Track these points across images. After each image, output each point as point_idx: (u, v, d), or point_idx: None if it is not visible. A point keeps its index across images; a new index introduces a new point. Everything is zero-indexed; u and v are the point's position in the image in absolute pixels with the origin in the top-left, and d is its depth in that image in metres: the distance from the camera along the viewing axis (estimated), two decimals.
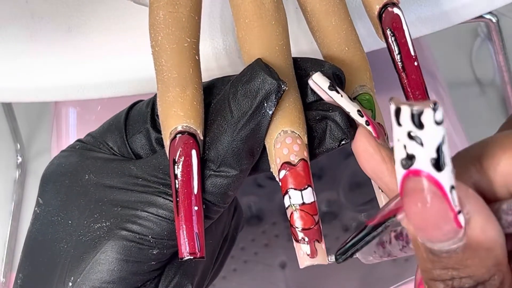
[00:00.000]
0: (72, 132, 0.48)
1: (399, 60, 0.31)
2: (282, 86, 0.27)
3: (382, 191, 0.29)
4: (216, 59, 0.38)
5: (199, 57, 0.30)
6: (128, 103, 0.40)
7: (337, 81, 0.29)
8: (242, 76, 0.28)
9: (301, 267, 0.28)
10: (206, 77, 0.31)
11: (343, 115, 0.29)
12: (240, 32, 0.30)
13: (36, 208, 0.31)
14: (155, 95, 0.31)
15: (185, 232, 0.28)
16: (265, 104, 0.28)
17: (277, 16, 0.30)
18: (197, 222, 0.28)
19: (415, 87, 0.31)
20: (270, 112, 0.28)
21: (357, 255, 0.26)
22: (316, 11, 0.31)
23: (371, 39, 0.35)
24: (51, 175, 0.31)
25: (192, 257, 0.28)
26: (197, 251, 0.28)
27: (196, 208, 0.28)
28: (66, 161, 0.31)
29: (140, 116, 0.31)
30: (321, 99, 0.30)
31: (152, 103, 0.31)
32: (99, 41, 0.38)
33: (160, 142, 0.31)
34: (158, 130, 0.31)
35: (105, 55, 0.38)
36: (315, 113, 0.29)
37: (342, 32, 0.31)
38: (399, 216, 0.21)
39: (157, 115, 0.30)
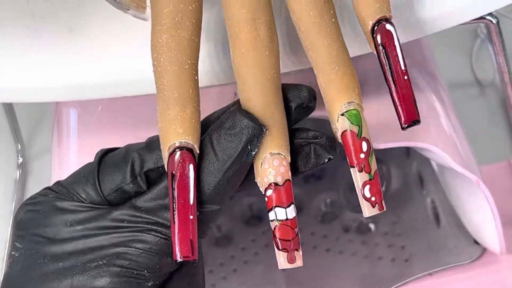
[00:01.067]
0: (72, 132, 0.48)
1: (389, 74, 0.33)
2: (264, 129, 0.31)
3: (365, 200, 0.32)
4: (219, 61, 0.38)
5: (198, 77, 0.32)
6: (128, 103, 0.40)
7: (312, 97, 0.33)
8: (225, 123, 0.32)
9: (280, 268, 0.32)
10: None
11: (328, 140, 0.33)
12: (235, 58, 0.33)
13: (13, 252, 0.33)
14: (130, 147, 0.34)
15: (180, 239, 0.30)
16: (249, 147, 0.31)
17: (270, 46, 0.32)
18: (191, 229, 0.31)
19: (404, 100, 0.32)
20: (253, 153, 0.31)
21: None
22: (310, 32, 0.33)
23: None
24: (29, 223, 0.33)
25: (186, 260, 0.30)
26: (190, 254, 0.31)
27: (191, 217, 0.31)
28: (43, 208, 0.33)
29: (117, 171, 0.34)
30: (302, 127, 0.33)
31: (131, 160, 0.34)
32: (100, 42, 0.38)
33: (138, 194, 0.33)
34: (139, 185, 0.33)
35: (106, 56, 0.38)
36: (301, 140, 0.33)
37: (334, 52, 0.33)
38: None
39: (139, 174, 0.33)
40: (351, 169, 0.32)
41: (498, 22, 0.45)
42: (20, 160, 0.60)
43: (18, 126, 0.59)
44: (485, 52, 0.68)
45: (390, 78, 0.32)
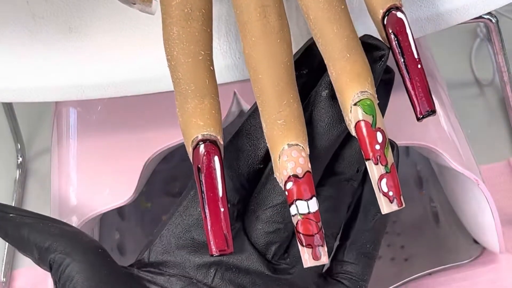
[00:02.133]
0: (72, 132, 0.48)
1: (402, 64, 0.31)
2: None
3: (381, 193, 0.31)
4: (223, 59, 0.38)
5: (213, 67, 0.32)
6: (128, 102, 0.40)
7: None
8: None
9: (305, 266, 0.31)
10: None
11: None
12: (246, 48, 0.32)
13: None
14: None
15: (214, 233, 0.30)
16: None
17: (281, 34, 0.31)
18: (224, 221, 0.30)
19: (419, 89, 0.31)
20: None
21: None
22: (319, 19, 0.32)
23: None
24: None
25: (222, 254, 0.30)
26: (226, 248, 0.30)
27: (222, 209, 0.30)
28: None
29: None
30: None
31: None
32: (100, 41, 0.38)
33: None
34: None
35: (105, 55, 0.38)
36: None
37: (344, 39, 0.31)
38: None
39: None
40: (367, 162, 0.31)
41: (497, 22, 0.45)
42: (20, 160, 0.60)
43: (18, 126, 0.59)
44: (484, 51, 0.68)
45: (403, 68, 0.31)
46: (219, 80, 0.38)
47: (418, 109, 0.31)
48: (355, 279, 0.36)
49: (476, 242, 0.53)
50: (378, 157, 0.30)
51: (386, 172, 0.30)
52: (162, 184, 0.58)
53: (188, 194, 0.35)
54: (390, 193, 0.31)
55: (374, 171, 0.31)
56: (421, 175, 0.58)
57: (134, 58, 0.38)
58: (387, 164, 0.31)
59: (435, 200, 0.57)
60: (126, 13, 0.38)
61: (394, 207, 0.31)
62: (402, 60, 0.31)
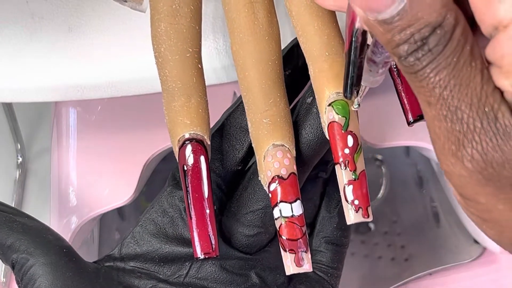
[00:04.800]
0: (72, 132, 0.48)
1: (394, 67, 0.30)
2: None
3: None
4: (220, 59, 0.38)
5: (201, 65, 0.31)
6: (128, 102, 0.40)
7: None
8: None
9: (287, 274, 0.30)
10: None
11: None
12: (234, 45, 0.31)
13: None
14: None
15: (199, 235, 0.29)
16: None
17: (270, 31, 0.31)
18: (210, 223, 0.29)
19: (410, 94, 0.30)
20: None
21: (363, 83, 0.26)
22: (301, 14, 0.31)
23: None
24: None
25: (207, 257, 0.29)
26: (211, 250, 0.29)
27: (208, 211, 0.29)
28: None
29: None
30: None
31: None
32: (99, 41, 0.38)
33: None
34: None
35: (105, 55, 0.38)
36: None
37: (324, 37, 0.30)
38: (356, 23, 0.23)
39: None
40: (336, 167, 0.29)
41: None
42: (20, 160, 0.60)
43: (17, 126, 0.59)
44: None
45: (394, 71, 0.30)
46: (219, 80, 0.38)
47: (409, 114, 0.30)
48: (325, 267, 0.36)
49: (476, 242, 0.53)
50: (346, 162, 0.29)
51: (354, 179, 0.29)
52: (162, 184, 0.58)
53: (165, 190, 0.34)
54: (356, 202, 0.29)
55: (341, 176, 0.29)
56: (421, 175, 0.58)
57: (134, 58, 0.38)
58: (355, 170, 0.29)
59: (436, 199, 0.57)
60: (126, 12, 0.38)
61: (360, 217, 0.29)
62: (393, 63, 0.30)
